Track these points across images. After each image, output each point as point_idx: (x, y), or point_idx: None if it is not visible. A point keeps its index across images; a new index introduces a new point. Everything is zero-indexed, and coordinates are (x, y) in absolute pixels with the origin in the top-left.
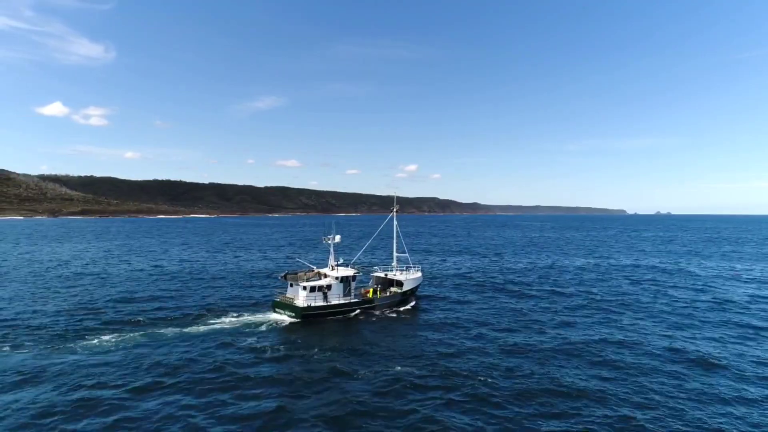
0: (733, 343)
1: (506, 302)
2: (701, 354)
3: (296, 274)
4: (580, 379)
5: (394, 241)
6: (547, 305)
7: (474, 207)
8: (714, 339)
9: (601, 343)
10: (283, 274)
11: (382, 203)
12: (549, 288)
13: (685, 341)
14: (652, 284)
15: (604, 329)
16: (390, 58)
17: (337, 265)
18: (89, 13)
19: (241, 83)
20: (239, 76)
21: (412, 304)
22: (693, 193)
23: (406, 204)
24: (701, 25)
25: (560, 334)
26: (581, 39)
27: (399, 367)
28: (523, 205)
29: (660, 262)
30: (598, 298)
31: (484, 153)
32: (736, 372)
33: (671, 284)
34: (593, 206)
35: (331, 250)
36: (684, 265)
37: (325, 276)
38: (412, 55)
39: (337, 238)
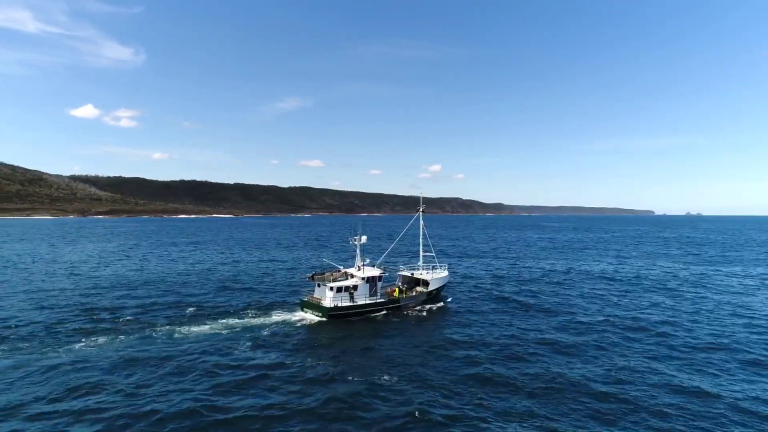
0: None
1: (535, 307)
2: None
3: (323, 274)
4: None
5: (420, 240)
6: (577, 315)
7: (498, 207)
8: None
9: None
10: (310, 275)
11: (404, 204)
12: (579, 296)
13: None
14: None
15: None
16: (414, 58)
17: (364, 266)
18: (119, 16)
19: (266, 84)
20: (265, 78)
21: (440, 304)
22: (725, 193)
23: (429, 204)
24: (734, 21)
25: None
26: (610, 36)
27: (419, 368)
28: (547, 205)
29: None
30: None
31: (508, 153)
32: None
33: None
34: (620, 207)
35: (358, 250)
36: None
37: (352, 276)
38: (435, 55)
39: (364, 238)
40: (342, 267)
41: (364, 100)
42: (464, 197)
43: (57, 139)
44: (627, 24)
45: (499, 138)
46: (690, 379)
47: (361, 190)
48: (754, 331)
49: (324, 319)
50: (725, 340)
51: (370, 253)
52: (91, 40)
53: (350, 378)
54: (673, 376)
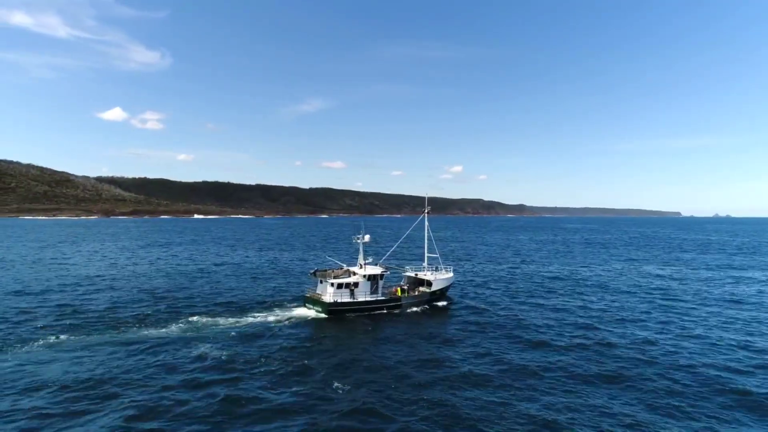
0: None
1: (538, 309)
2: None
3: (325, 271)
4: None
5: (425, 242)
6: (578, 317)
7: (520, 209)
8: None
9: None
10: (312, 271)
11: (425, 205)
12: (580, 299)
13: None
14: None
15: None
16: (437, 59)
17: (366, 264)
18: (146, 21)
19: (289, 86)
20: (288, 80)
21: (443, 304)
22: (756, 193)
23: (450, 205)
24: (760, 18)
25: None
26: (633, 35)
27: (409, 367)
28: (572, 207)
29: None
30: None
31: (531, 153)
32: None
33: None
34: (646, 208)
35: (361, 249)
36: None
37: (354, 274)
38: (459, 55)
39: (367, 237)
40: (345, 265)
41: (387, 101)
42: (486, 198)
43: (86, 142)
44: (653, 20)
45: (522, 138)
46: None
47: (382, 191)
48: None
49: (323, 314)
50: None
51: (378, 254)
52: (119, 45)
53: (335, 372)
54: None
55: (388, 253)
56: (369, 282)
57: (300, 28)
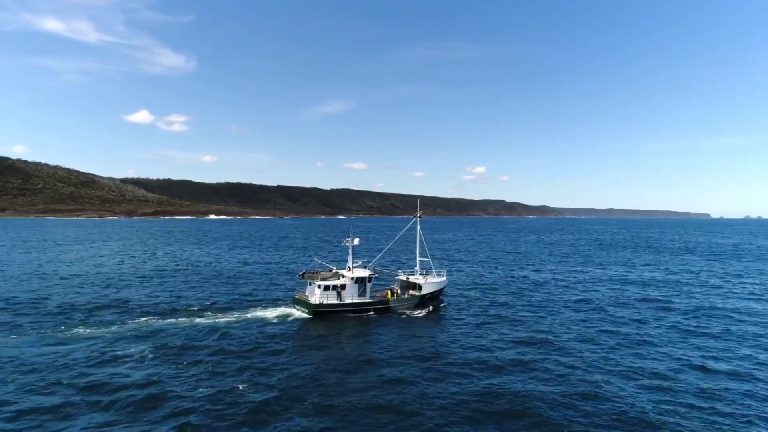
0: None
1: (530, 316)
2: None
3: (314, 273)
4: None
5: (417, 245)
6: (574, 324)
7: (542, 210)
8: None
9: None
10: (301, 273)
11: (446, 206)
12: (574, 302)
13: None
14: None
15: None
16: (459, 60)
17: (355, 267)
18: (172, 25)
19: (312, 88)
20: (310, 82)
21: (429, 308)
22: None
23: (471, 206)
24: None
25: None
26: (659, 30)
27: (387, 368)
28: (596, 208)
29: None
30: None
31: (555, 154)
32: None
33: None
34: (673, 209)
35: (350, 251)
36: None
37: (342, 276)
38: (481, 56)
39: (356, 240)
40: (334, 267)
41: (409, 102)
42: (507, 199)
43: (115, 144)
44: (681, 14)
45: (547, 138)
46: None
47: (403, 192)
48: None
49: (309, 315)
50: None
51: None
52: (147, 49)
53: (317, 370)
54: None
55: (380, 255)
56: (357, 284)
57: (323, 32)
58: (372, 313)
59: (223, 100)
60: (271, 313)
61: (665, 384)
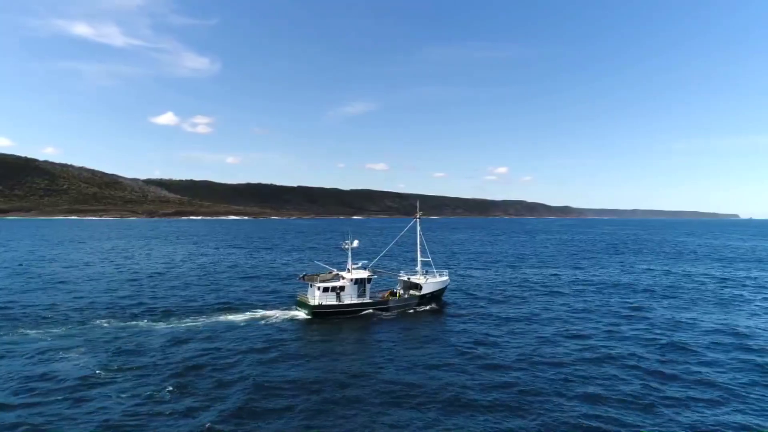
0: None
1: (526, 316)
2: None
3: (314, 275)
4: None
5: (418, 246)
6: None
7: (564, 210)
8: None
9: None
10: (301, 276)
11: (465, 206)
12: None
13: None
14: None
15: None
16: (482, 60)
17: (354, 268)
18: (197, 28)
19: (334, 90)
20: (333, 83)
21: (434, 307)
22: None
23: (492, 207)
24: None
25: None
26: (688, 25)
27: (384, 367)
28: (620, 208)
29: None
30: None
31: (579, 154)
32: None
33: None
34: (700, 210)
35: (349, 254)
36: None
37: (342, 278)
38: (504, 55)
39: (355, 243)
40: (335, 269)
41: (431, 102)
42: (529, 200)
43: (141, 146)
44: (701, 11)
45: (570, 138)
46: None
47: (424, 193)
48: None
49: (308, 316)
50: None
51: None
52: (173, 52)
53: (312, 368)
54: None
55: (380, 256)
56: (356, 285)
57: (345, 33)
58: (370, 312)
59: (246, 101)
60: (272, 314)
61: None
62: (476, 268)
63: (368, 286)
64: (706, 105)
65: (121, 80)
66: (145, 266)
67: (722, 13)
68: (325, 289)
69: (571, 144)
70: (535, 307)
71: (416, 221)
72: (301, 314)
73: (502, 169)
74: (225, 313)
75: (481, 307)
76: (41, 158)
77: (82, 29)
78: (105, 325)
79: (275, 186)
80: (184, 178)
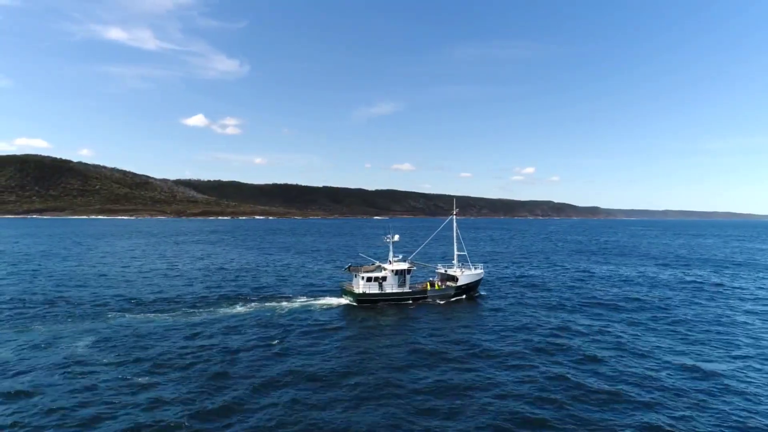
0: None
1: (569, 316)
2: None
3: (359, 267)
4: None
5: (454, 241)
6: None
7: (593, 211)
8: None
9: None
10: (347, 267)
11: (491, 207)
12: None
13: None
14: None
15: None
16: (509, 59)
17: (395, 261)
18: (226, 31)
19: (360, 90)
20: (359, 84)
21: (463, 297)
22: None
23: (518, 207)
24: None
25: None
26: (722, 22)
27: (419, 354)
28: (651, 209)
29: None
30: None
31: (608, 153)
32: None
33: None
34: (734, 211)
35: (390, 247)
36: None
37: (384, 269)
38: (532, 54)
39: (396, 237)
40: (377, 261)
41: (457, 102)
42: (556, 200)
43: (172, 147)
44: (740, 11)
45: (599, 138)
46: None
47: (449, 193)
48: None
49: (354, 303)
50: None
51: (423, 254)
52: (203, 54)
53: (357, 353)
54: None
55: (417, 251)
56: (397, 276)
57: (371, 33)
58: (410, 301)
59: (274, 103)
60: (322, 301)
61: None
62: (508, 263)
63: (408, 276)
64: (743, 104)
65: (153, 83)
66: (223, 261)
67: (753, 4)
68: (369, 279)
69: (600, 143)
70: (563, 298)
71: (453, 218)
72: (346, 301)
73: (529, 169)
74: (279, 301)
75: (515, 297)
76: (75, 159)
77: (116, 33)
78: (199, 311)
79: (301, 186)
80: (212, 179)
